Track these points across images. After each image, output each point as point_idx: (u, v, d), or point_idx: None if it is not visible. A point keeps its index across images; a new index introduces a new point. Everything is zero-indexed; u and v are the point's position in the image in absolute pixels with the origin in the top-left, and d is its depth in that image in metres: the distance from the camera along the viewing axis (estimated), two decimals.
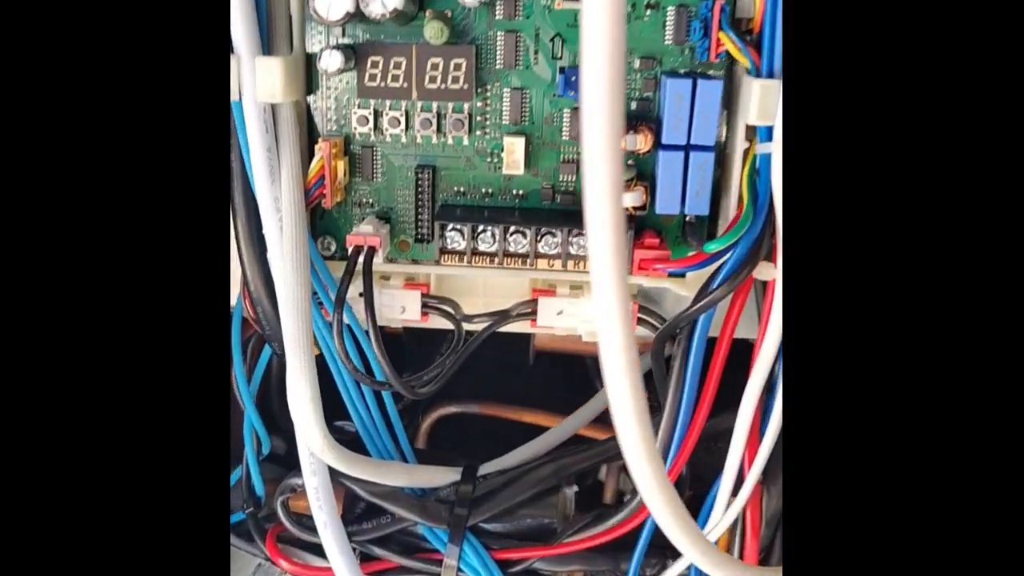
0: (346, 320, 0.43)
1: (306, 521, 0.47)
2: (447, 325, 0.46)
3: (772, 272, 0.39)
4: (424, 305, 0.46)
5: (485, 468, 0.49)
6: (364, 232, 0.42)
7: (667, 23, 0.41)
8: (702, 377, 0.42)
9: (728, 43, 0.38)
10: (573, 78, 0.41)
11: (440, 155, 0.43)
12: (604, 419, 0.58)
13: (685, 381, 0.42)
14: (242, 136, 0.40)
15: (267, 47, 0.39)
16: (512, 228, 0.42)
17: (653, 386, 0.45)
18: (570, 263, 0.43)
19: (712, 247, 0.39)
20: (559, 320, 0.46)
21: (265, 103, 0.39)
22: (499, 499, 0.47)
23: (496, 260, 0.43)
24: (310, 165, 0.42)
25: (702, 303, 0.40)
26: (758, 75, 0.37)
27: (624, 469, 0.51)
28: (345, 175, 0.43)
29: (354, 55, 0.41)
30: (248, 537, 0.49)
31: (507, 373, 0.61)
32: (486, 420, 0.61)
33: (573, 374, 0.63)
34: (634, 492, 0.47)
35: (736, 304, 0.41)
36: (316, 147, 0.42)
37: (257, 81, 0.38)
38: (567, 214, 0.43)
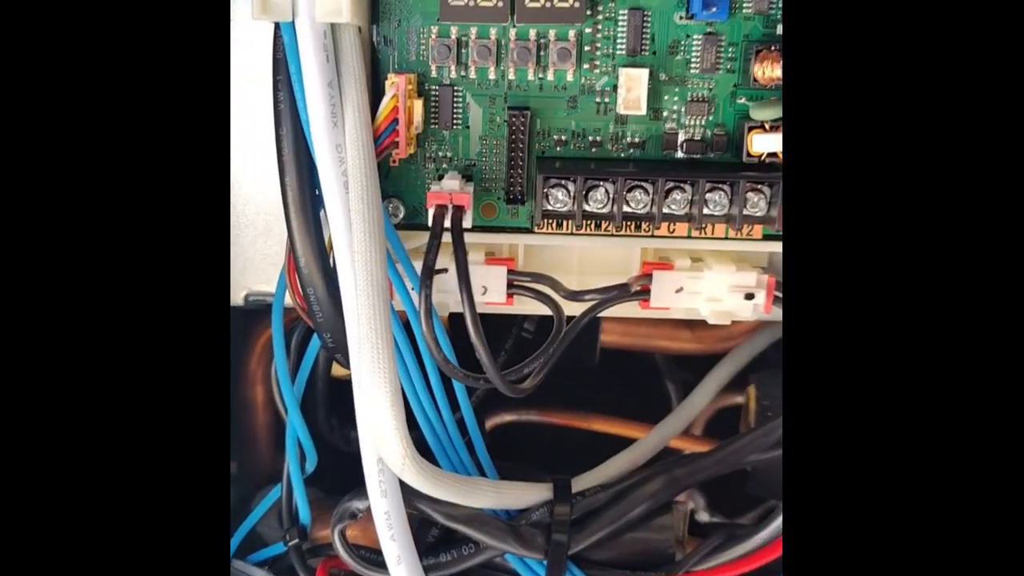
0: (398, 304, 0.35)
1: (369, 555, 0.38)
2: (534, 309, 0.37)
3: None
4: (511, 284, 0.37)
5: (580, 483, 0.40)
6: (449, 188, 0.34)
7: None
8: None
9: None
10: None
11: (537, 95, 0.35)
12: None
13: None
14: (294, 67, 0.31)
15: None
16: (632, 183, 0.34)
17: None
18: (700, 228, 0.35)
19: None
20: (677, 300, 0.37)
21: (326, 24, 0.31)
22: (603, 520, 0.38)
23: (606, 225, 0.35)
24: (379, 107, 0.33)
25: None
26: None
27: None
28: (421, 120, 0.34)
29: None
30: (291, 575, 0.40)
31: (568, 374, 0.53)
32: (548, 429, 0.53)
33: (641, 373, 0.55)
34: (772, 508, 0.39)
35: None
36: (387, 83, 0.33)
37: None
38: (695, 165, 0.35)
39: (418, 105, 0.34)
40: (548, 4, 0.33)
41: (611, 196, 0.34)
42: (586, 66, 0.34)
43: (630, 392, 0.54)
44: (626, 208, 0.34)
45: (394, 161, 0.35)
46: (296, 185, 0.32)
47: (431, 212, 0.33)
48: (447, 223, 0.33)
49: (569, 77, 0.35)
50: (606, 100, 0.35)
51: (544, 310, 0.37)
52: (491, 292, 0.37)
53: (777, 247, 0.37)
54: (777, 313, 0.38)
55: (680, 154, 0.36)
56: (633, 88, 0.34)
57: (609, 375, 0.54)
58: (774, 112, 0.33)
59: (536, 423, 0.53)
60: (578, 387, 0.53)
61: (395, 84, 0.33)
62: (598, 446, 0.53)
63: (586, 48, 0.34)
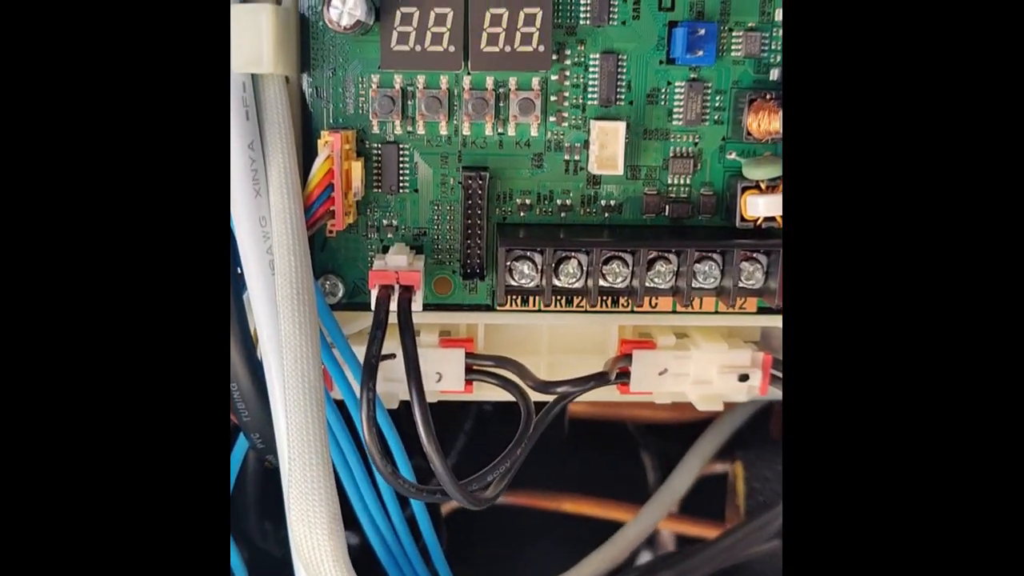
0: (336, 394, 0.30)
1: None
2: (498, 395, 0.32)
3: None
4: (470, 369, 0.32)
5: None
6: (395, 265, 0.28)
7: None
8: None
9: None
10: (697, 31, 0.28)
11: (496, 152, 0.30)
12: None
13: None
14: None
15: None
16: (609, 254, 0.29)
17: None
18: (688, 304, 0.30)
19: None
20: (661, 382, 0.32)
21: (245, 75, 0.26)
22: None
23: (579, 301, 0.30)
24: (311, 170, 0.28)
25: None
26: None
27: None
28: (361, 184, 0.29)
29: (376, 12, 0.28)
30: None
31: (533, 450, 0.48)
32: (513, 511, 0.48)
33: (613, 445, 0.50)
34: None
35: None
36: (320, 143, 0.28)
37: (233, 42, 0.25)
38: (681, 231, 0.30)
39: (357, 167, 0.29)
40: (508, 48, 0.28)
41: (585, 269, 0.29)
42: (552, 119, 0.30)
43: (602, 467, 0.49)
44: (602, 282, 0.30)
45: (331, 231, 0.30)
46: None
47: (374, 294, 0.28)
48: (393, 306, 0.28)
49: (533, 132, 0.30)
50: (576, 158, 0.30)
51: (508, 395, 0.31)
52: (447, 379, 0.32)
53: (773, 320, 0.32)
54: (775, 392, 0.33)
55: (663, 218, 0.31)
56: (607, 144, 0.29)
57: (578, 448, 0.50)
58: (771, 170, 0.29)
59: (500, 505, 0.48)
60: (545, 463, 0.48)
61: (329, 144, 0.27)
62: (568, 528, 0.48)
63: (552, 98, 0.30)
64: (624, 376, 0.32)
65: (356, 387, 0.29)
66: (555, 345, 0.34)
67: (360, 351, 0.29)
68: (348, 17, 0.26)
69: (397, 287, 0.28)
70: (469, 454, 0.43)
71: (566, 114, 0.30)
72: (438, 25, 0.28)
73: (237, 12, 0.25)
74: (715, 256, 0.30)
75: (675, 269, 0.30)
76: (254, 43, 0.25)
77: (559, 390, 0.31)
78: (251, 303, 0.28)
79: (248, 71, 0.26)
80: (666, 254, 0.29)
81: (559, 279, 0.30)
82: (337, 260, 0.31)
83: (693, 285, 0.30)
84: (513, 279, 0.29)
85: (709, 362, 0.32)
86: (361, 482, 0.31)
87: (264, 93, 0.27)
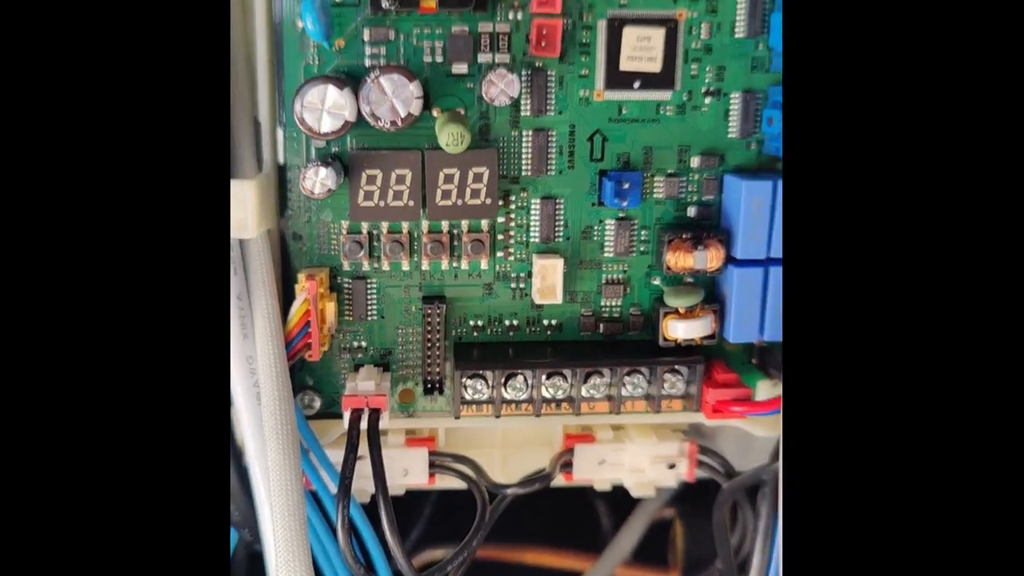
0: (311, 486, 0.34)
1: None
2: (457, 484, 0.37)
3: None
4: (433, 464, 0.36)
5: None
6: (364, 390, 0.33)
7: (731, 113, 0.33)
8: None
9: None
10: (622, 184, 0.33)
11: (452, 283, 0.34)
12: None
13: (774, 544, 0.34)
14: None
15: (233, 167, 0.30)
16: (550, 372, 0.34)
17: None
18: (623, 405, 0.35)
19: None
20: (601, 471, 0.37)
21: (234, 240, 0.30)
22: None
23: (527, 407, 0.35)
24: (290, 310, 0.32)
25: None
26: None
27: None
28: (335, 320, 0.34)
29: (344, 169, 0.32)
30: None
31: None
32: (479, 565, 0.52)
33: (572, 499, 0.55)
34: None
35: None
36: (297, 286, 0.32)
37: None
38: (612, 346, 0.35)
39: (331, 307, 0.33)
40: (459, 202, 0.32)
41: (530, 384, 0.34)
42: (500, 254, 0.34)
43: (561, 519, 0.54)
44: (545, 394, 0.34)
45: (313, 358, 0.34)
46: None
47: (347, 416, 0.32)
48: (364, 425, 0.32)
49: (483, 266, 0.34)
50: (521, 286, 0.35)
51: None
52: (412, 474, 0.37)
53: (697, 417, 0.37)
54: (701, 475, 0.38)
55: (598, 335, 0.36)
56: (548, 277, 0.34)
57: (538, 501, 0.54)
58: (689, 299, 0.34)
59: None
60: (507, 518, 0.52)
61: (306, 289, 0.32)
62: None
63: (500, 237, 0.34)
64: (568, 466, 0.37)
65: (331, 486, 0.34)
66: (508, 441, 0.38)
67: (334, 454, 0.33)
68: (320, 187, 0.31)
69: (367, 409, 0.33)
70: (432, 534, 0.47)
71: (512, 250, 0.34)
72: (399, 184, 0.32)
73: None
74: (642, 370, 0.34)
75: (608, 382, 0.34)
76: (241, 213, 0.29)
77: (508, 491, 0.35)
78: (240, 422, 0.32)
79: (236, 236, 0.30)
80: (600, 370, 0.34)
81: (507, 392, 0.34)
82: (316, 376, 0.35)
83: (623, 394, 0.34)
84: (467, 395, 0.34)
85: (641, 454, 0.37)
86: (339, 567, 0.36)
87: (250, 252, 0.31)
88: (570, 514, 0.54)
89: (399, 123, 0.29)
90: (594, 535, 0.52)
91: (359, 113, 0.29)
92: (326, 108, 0.29)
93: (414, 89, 0.29)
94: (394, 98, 0.29)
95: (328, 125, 0.29)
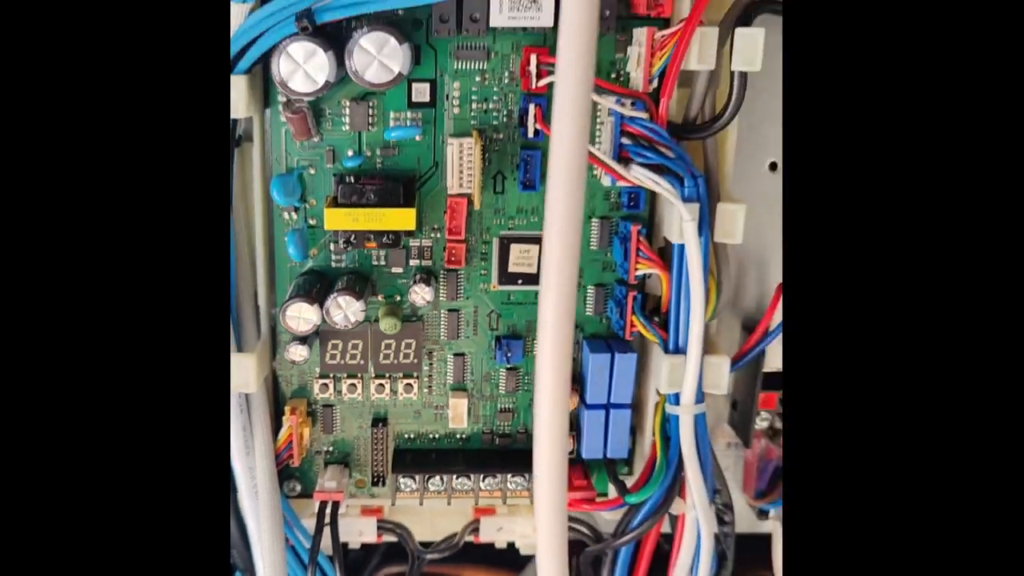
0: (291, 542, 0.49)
1: None
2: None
3: (682, 507, 0.47)
4: (379, 527, 0.52)
5: None
6: (329, 488, 0.48)
7: (588, 299, 0.48)
8: None
9: (640, 326, 0.46)
10: (510, 348, 0.48)
11: (392, 409, 0.49)
12: None
13: None
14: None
15: (239, 342, 0.44)
16: (458, 474, 0.49)
17: None
18: (508, 495, 0.50)
19: (632, 500, 0.47)
20: (500, 535, 0.52)
21: (240, 392, 0.45)
22: None
23: (443, 495, 0.50)
24: (279, 434, 0.47)
25: (625, 538, 0.48)
26: (666, 351, 0.45)
27: None
28: (308, 439, 0.49)
29: (316, 338, 0.47)
30: None
31: None
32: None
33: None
34: None
35: (651, 533, 0.49)
36: (283, 418, 0.47)
37: (233, 376, 0.43)
38: (504, 454, 0.50)
39: (306, 431, 0.48)
40: (395, 360, 0.47)
41: (444, 481, 0.49)
42: (425, 390, 0.49)
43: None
44: (455, 487, 0.49)
45: (294, 464, 0.49)
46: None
47: (317, 505, 0.48)
48: (328, 513, 0.48)
49: (414, 398, 0.49)
50: (441, 413, 0.50)
51: None
52: (365, 534, 0.52)
53: None
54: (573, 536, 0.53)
55: (495, 446, 0.50)
56: (458, 408, 0.49)
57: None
58: None
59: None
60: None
61: (289, 420, 0.47)
62: None
63: (424, 379, 0.49)
64: (476, 531, 0.52)
65: (304, 542, 0.49)
66: (436, 512, 0.53)
67: (309, 523, 0.48)
68: (299, 356, 0.45)
69: (331, 502, 0.48)
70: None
71: (434, 388, 0.49)
72: (353, 350, 0.47)
73: (236, 359, 0.44)
74: (524, 474, 0.49)
75: (499, 480, 0.49)
76: (244, 376, 0.44)
77: (429, 556, 0.51)
78: (243, 508, 0.47)
79: (240, 391, 0.45)
80: (494, 473, 0.49)
81: (429, 487, 0.49)
82: (297, 472, 0.50)
83: (509, 488, 0.49)
84: (401, 487, 0.49)
85: (527, 524, 0.52)
86: None
87: (252, 398, 0.46)
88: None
89: (349, 324, 0.44)
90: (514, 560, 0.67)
91: (323, 317, 0.44)
92: (302, 316, 0.44)
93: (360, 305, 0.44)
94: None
95: (303, 326, 0.44)
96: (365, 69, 0.40)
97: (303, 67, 0.40)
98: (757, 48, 0.41)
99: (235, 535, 0.48)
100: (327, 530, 0.47)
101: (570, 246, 0.34)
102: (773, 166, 0.50)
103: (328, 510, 0.47)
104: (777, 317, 0.46)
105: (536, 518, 0.36)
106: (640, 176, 0.42)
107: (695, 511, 0.46)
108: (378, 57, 0.40)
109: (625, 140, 0.43)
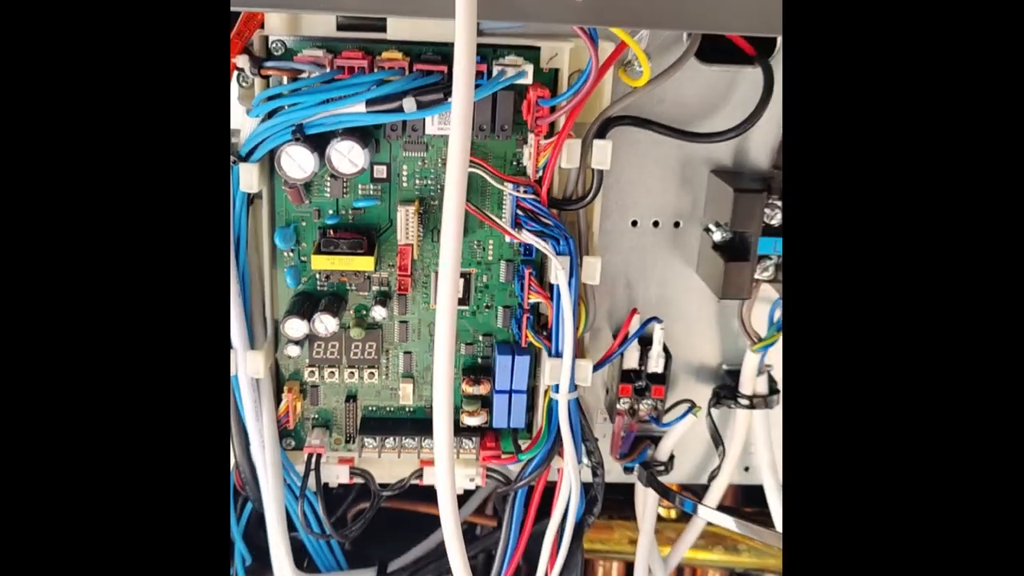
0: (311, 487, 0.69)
1: None
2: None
3: (561, 463, 0.67)
4: (351, 472, 0.72)
5: (395, 564, 0.76)
6: (314, 444, 0.68)
7: (498, 316, 0.67)
8: (522, 520, 0.70)
9: (531, 338, 0.65)
10: None
11: (360, 390, 0.69)
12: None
13: (513, 522, 0.70)
14: (238, 395, 0.65)
15: (252, 342, 0.64)
16: (406, 437, 0.69)
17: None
18: None
19: (524, 457, 0.67)
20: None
21: (252, 377, 0.65)
22: None
23: (397, 451, 0.70)
24: (279, 405, 0.67)
25: (521, 483, 0.68)
26: (550, 355, 0.64)
27: None
28: (301, 409, 0.69)
29: (307, 340, 0.66)
30: None
31: None
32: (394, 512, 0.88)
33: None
34: None
35: (541, 479, 0.69)
36: (283, 395, 0.67)
37: (247, 366, 0.63)
38: None
39: (299, 404, 0.68)
40: (362, 356, 0.67)
41: (396, 442, 0.69)
42: (384, 377, 0.69)
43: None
44: (404, 445, 0.69)
45: (290, 427, 0.69)
46: (241, 444, 0.66)
47: (306, 455, 0.68)
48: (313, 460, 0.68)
49: (375, 382, 0.69)
50: (395, 392, 0.70)
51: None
52: (341, 477, 0.72)
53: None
54: (491, 483, 0.73)
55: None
56: (406, 389, 0.69)
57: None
58: (473, 406, 0.68)
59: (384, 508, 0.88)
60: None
61: (287, 397, 0.67)
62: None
63: (383, 369, 0.69)
64: (420, 476, 0.72)
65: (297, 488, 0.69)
66: (391, 462, 0.73)
67: (301, 469, 0.69)
68: (294, 353, 0.65)
69: (316, 454, 0.68)
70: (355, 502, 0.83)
71: (389, 375, 0.69)
72: (332, 348, 0.67)
73: (248, 355, 0.64)
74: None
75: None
76: (255, 366, 0.64)
77: (386, 494, 0.71)
78: (253, 457, 0.67)
79: (254, 376, 0.64)
80: (432, 436, 0.69)
81: (386, 445, 0.69)
82: (292, 432, 0.70)
83: None
84: (366, 445, 0.69)
85: (461, 473, 0.72)
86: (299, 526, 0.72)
87: (261, 381, 0.65)
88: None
89: (327, 335, 0.64)
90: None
91: (310, 328, 0.64)
92: (295, 327, 0.63)
93: None
94: None
95: (297, 334, 0.64)
96: (338, 165, 0.59)
97: (296, 162, 0.59)
98: (606, 154, 0.60)
99: (247, 476, 0.69)
100: (313, 474, 0.68)
101: (451, 280, 0.53)
102: (634, 223, 0.69)
103: (314, 460, 0.68)
104: (636, 325, 0.66)
105: (435, 462, 0.55)
106: (528, 237, 0.61)
107: (568, 466, 0.66)
108: (347, 157, 0.59)
109: (519, 212, 0.62)
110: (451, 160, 0.48)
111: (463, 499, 0.81)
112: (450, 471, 0.54)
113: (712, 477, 0.70)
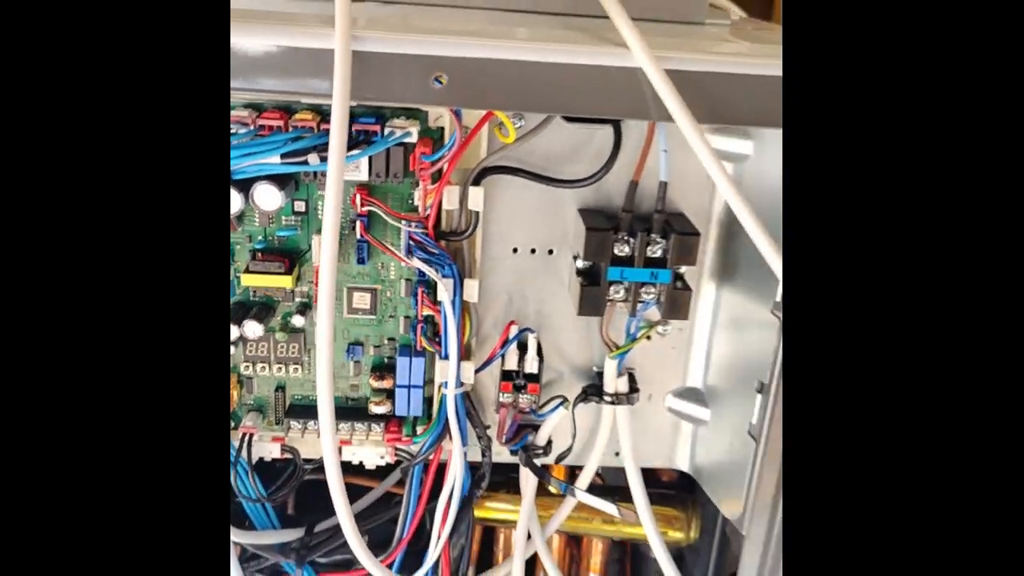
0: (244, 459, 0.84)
1: None
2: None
3: (451, 446, 0.82)
4: (281, 449, 0.87)
5: (322, 525, 0.91)
6: (247, 425, 0.83)
7: (400, 325, 0.82)
8: (420, 491, 0.85)
9: (425, 343, 0.80)
10: (352, 352, 0.82)
11: (287, 381, 0.84)
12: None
13: (412, 492, 0.85)
14: None
15: None
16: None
17: None
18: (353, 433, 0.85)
19: (419, 439, 0.82)
20: (352, 456, 0.87)
21: None
22: (329, 543, 0.89)
23: (317, 431, 0.84)
24: None
25: (419, 459, 0.83)
26: (440, 358, 0.79)
27: None
28: (238, 394, 0.84)
29: (241, 341, 0.81)
30: None
31: None
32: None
33: None
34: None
35: (435, 457, 0.83)
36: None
37: None
38: (352, 410, 0.85)
39: (236, 392, 0.83)
40: (287, 355, 0.82)
41: (317, 424, 0.84)
42: (306, 371, 0.84)
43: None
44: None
45: (232, 407, 0.84)
46: None
47: (240, 434, 0.83)
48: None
49: (299, 376, 0.84)
50: (314, 384, 0.84)
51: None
52: (273, 453, 0.87)
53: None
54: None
55: (350, 405, 0.85)
56: None
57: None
58: (379, 396, 0.83)
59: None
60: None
61: (231, 389, 0.81)
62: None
63: (304, 365, 0.83)
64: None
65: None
66: (313, 441, 0.88)
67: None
68: (232, 351, 0.80)
69: (250, 434, 0.83)
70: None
71: (310, 370, 0.84)
72: (262, 347, 0.81)
73: None
74: (361, 424, 0.84)
75: (350, 425, 0.84)
76: None
77: (308, 467, 0.86)
78: None
79: None
80: (347, 420, 0.84)
81: (308, 428, 0.84)
82: (232, 415, 0.85)
83: (356, 428, 0.84)
84: (292, 427, 0.84)
85: (365, 451, 0.87)
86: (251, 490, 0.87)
87: None
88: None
89: None
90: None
91: (241, 332, 0.78)
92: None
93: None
94: None
95: (232, 336, 0.78)
96: (259, 203, 0.73)
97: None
98: (480, 198, 0.74)
99: None
100: (246, 449, 0.82)
101: (328, 294, 0.67)
102: (515, 250, 0.83)
103: (247, 438, 0.83)
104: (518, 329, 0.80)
105: (321, 438, 0.70)
106: (418, 263, 0.75)
107: (456, 448, 0.81)
108: (266, 197, 0.73)
109: (411, 242, 0.76)
110: (327, 210, 0.62)
111: (384, 473, 0.96)
112: (334, 448, 0.69)
113: (560, 459, 0.84)
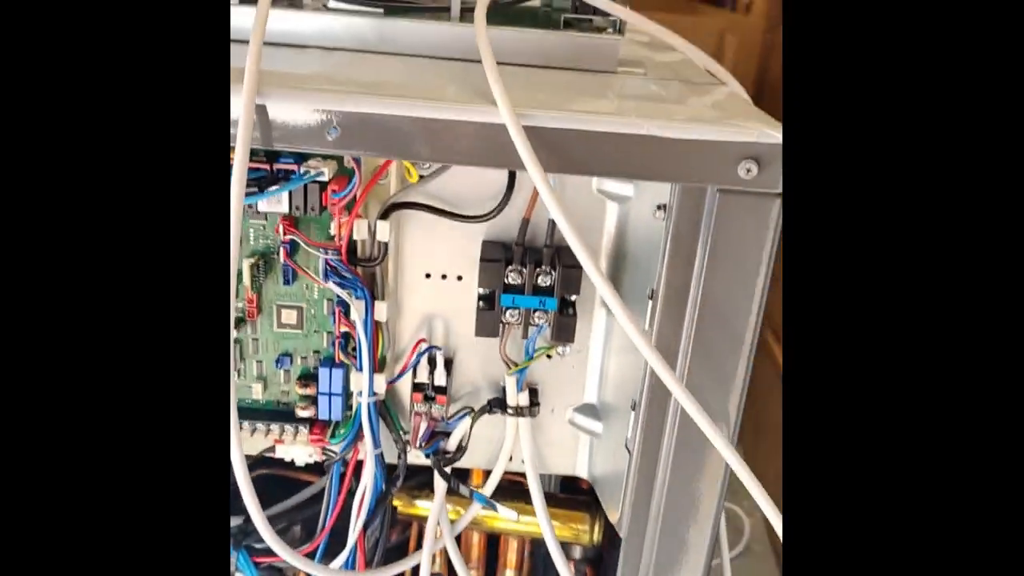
0: None
1: None
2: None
3: (364, 448, 0.92)
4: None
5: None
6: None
7: (324, 340, 0.92)
8: (340, 486, 0.95)
9: (343, 357, 0.90)
10: (281, 362, 0.93)
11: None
12: None
13: (332, 487, 0.95)
14: None
15: None
16: (260, 422, 0.94)
17: None
18: (284, 433, 0.95)
19: (336, 440, 0.92)
20: (284, 454, 0.98)
21: None
22: None
23: (250, 432, 0.95)
24: None
25: (337, 458, 0.93)
26: (356, 370, 0.89)
27: None
28: None
29: None
30: None
31: None
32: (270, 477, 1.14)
33: None
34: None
35: (353, 457, 0.94)
36: None
37: None
38: (281, 413, 0.95)
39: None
40: None
41: (251, 424, 0.94)
42: (243, 378, 0.94)
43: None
44: (258, 427, 0.95)
45: None
46: None
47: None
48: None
49: (236, 381, 0.94)
50: (250, 389, 0.95)
51: None
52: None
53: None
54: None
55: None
56: (257, 388, 0.94)
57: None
58: (306, 403, 0.94)
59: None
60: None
61: None
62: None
63: (242, 373, 0.94)
64: (273, 450, 0.98)
65: None
66: (253, 441, 0.99)
67: None
68: None
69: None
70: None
71: (247, 377, 0.94)
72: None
73: None
74: (291, 423, 0.95)
75: (280, 427, 0.95)
76: None
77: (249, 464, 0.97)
78: None
79: None
80: (276, 422, 0.94)
81: (243, 428, 0.95)
82: None
83: (284, 430, 0.95)
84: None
85: (293, 450, 0.98)
86: None
87: None
88: None
89: None
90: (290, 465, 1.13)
91: None
92: None
93: None
94: None
95: None
96: None
97: None
98: (386, 231, 0.84)
99: None
100: None
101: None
102: (428, 275, 0.93)
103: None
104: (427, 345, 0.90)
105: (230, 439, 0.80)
106: (332, 286, 0.86)
107: (368, 449, 0.91)
108: None
109: (328, 267, 0.86)
110: (232, 236, 0.73)
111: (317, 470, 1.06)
112: (239, 445, 0.79)
113: (448, 463, 0.94)
